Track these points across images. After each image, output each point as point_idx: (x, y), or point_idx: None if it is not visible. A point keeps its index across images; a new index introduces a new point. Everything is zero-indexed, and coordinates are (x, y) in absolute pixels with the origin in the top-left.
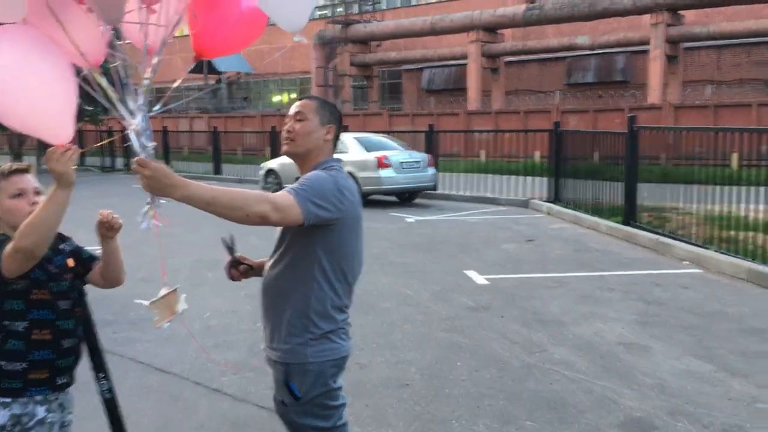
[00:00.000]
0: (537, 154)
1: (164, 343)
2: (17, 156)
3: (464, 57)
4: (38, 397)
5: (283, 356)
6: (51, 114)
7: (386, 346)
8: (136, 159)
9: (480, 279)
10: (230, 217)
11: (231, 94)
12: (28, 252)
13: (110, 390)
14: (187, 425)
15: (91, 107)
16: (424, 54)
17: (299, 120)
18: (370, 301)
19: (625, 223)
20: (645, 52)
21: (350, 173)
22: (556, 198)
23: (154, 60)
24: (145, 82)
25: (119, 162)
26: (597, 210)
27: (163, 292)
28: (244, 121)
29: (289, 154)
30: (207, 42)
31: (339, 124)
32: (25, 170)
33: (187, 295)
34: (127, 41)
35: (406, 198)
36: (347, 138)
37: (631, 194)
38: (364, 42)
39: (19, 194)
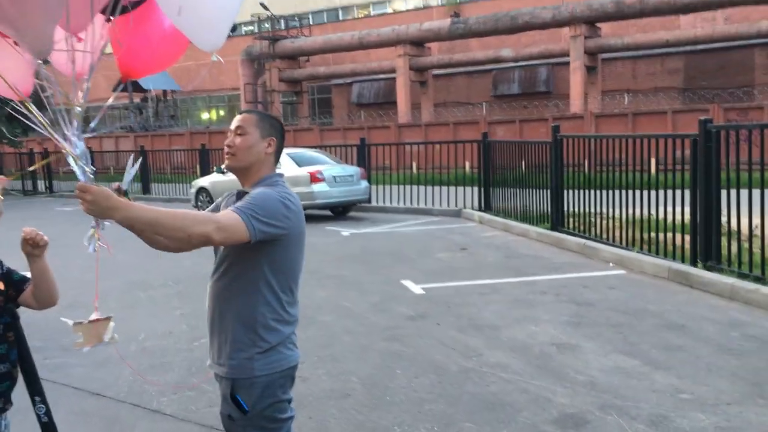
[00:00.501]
0: (467, 165)
1: (98, 368)
2: None
3: (393, 71)
4: None
5: (229, 371)
6: None
7: (327, 358)
8: (77, 185)
9: (416, 288)
10: (172, 239)
11: (157, 112)
12: None
13: (47, 413)
14: None
15: (9, 130)
16: (353, 68)
17: (239, 134)
18: (310, 314)
19: (553, 228)
20: (566, 63)
21: None
22: (486, 207)
23: (84, 86)
24: (77, 109)
25: (41, 185)
26: (526, 217)
27: (94, 317)
28: (172, 139)
29: (230, 169)
30: (132, 63)
31: (281, 136)
32: None
33: (116, 326)
34: (55, 71)
35: (340, 212)
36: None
37: (557, 201)
38: (292, 57)
39: None
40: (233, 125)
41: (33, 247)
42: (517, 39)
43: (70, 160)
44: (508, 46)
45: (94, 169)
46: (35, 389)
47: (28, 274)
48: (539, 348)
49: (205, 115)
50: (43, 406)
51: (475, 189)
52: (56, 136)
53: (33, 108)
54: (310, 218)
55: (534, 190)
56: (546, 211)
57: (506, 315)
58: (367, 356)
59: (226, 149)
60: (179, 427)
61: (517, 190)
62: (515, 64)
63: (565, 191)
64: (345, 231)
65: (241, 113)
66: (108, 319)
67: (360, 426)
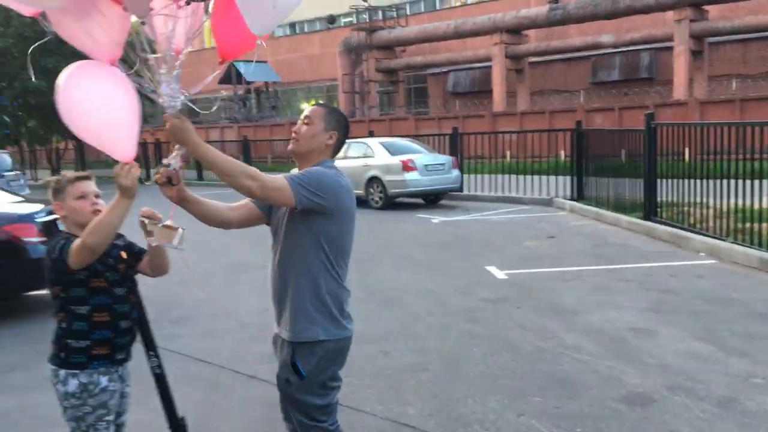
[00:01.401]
0: (562, 154)
1: (203, 338)
2: (55, 169)
3: (488, 59)
4: (101, 369)
5: (291, 336)
6: (120, 137)
7: (409, 336)
8: (166, 115)
9: (500, 274)
10: (222, 179)
11: (260, 103)
12: (92, 248)
13: (160, 366)
14: (227, 407)
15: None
16: (448, 57)
17: (306, 123)
18: (396, 296)
19: (646, 218)
20: (669, 48)
21: (376, 177)
22: (578, 196)
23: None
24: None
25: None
26: (618, 206)
27: (168, 222)
28: (273, 129)
29: (292, 153)
30: (227, 45)
31: (343, 132)
32: (87, 177)
33: (185, 235)
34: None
35: (431, 200)
36: (373, 143)
37: (650, 190)
38: (389, 48)
39: (83, 197)
40: (303, 115)
41: (169, 243)
42: (618, 24)
43: (164, 90)
44: (608, 32)
45: (183, 98)
46: (150, 345)
47: (146, 247)
48: (615, 332)
49: (304, 106)
50: (156, 359)
51: (568, 178)
52: (152, 83)
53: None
54: (402, 206)
55: (627, 180)
56: (639, 200)
57: (586, 300)
58: (446, 335)
59: (292, 135)
60: (272, 390)
61: (610, 179)
62: (615, 49)
63: (660, 180)
64: (435, 218)
65: (313, 105)
66: (177, 228)
67: (435, 396)
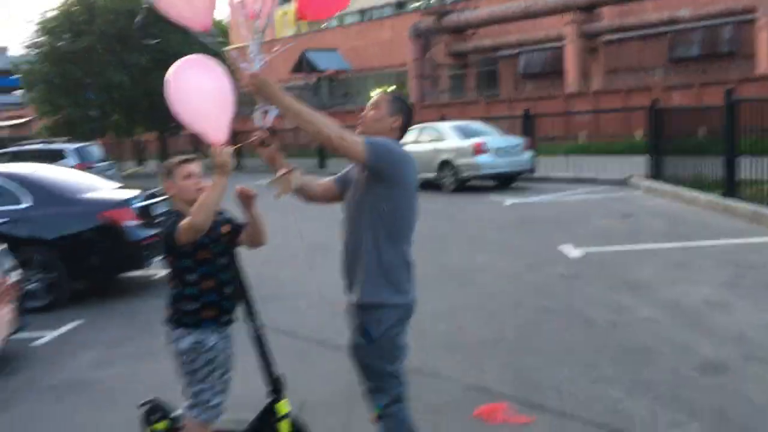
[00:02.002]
0: (638, 133)
1: (289, 313)
2: (140, 161)
3: (561, 39)
4: (210, 329)
5: (358, 300)
6: (218, 123)
7: (483, 312)
8: (250, 72)
9: (573, 252)
10: (307, 131)
11: (331, 91)
12: (198, 226)
13: (259, 329)
14: (313, 375)
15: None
16: (519, 39)
17: (372, 109)
18: (469, 276)
19: (725, 196)
20: (752, 20)
21: (448, 160)
22: (655, 175)
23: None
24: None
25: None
26: (697, 185)
27: (281, 172)
28: (345, 116)
29: (359, 134)
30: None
31: (407, 116)
32: (192, 160)
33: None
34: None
35: (503, 182)
36: (444, 126)
37: (730, 167)
38: (458, 31)
39: (188, 176)
40: (370, 102)
41: (246, 199)
42: None
43: (253, 49)
44: (686, 6)
45: (267, 60)
46: (250, 310)
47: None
48: (691, 305)
49: (375, 92)
50: (256, 323)
51: (644, 158)
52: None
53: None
54: (474, 188)
55: (706, 158)
56: (719, 178)
57: (662, 277)
58: (520, 311)
59: (359, 120)
60: None
61: (689, 157)
62: (694, 24)
63: (741, 157)
64: (507, 200)
65: (379, 93)
66: (291, 171)
67: (509, 366)
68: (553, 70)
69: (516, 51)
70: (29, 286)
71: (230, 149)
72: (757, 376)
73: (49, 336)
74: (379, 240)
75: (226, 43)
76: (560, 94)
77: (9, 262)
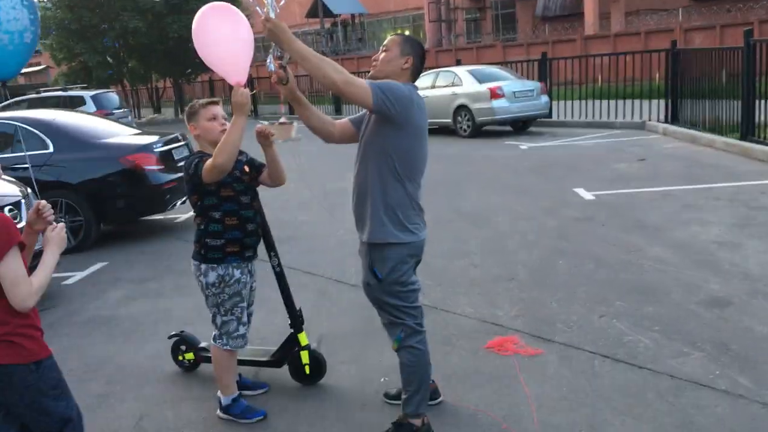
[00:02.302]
0: (657, 76)
1: (308, 254)
2: (157, 107)
3: None
4: (234, 264)
5: (369, 237)
6: (238, 66)
7: (498, 251)
8: (264, 18)
9: (587, 195)
10: (314, 75)
11: (346, 36)
12: (221, 166)
13: (279, 264)
14: (334, 310)
15: None
16: None
17: (384, 51)
18: (485, 216)
19: (743, 138)
20: None
21: (464, 105)
22: (673, 119)
23: None
24: None
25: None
26: (714, 128)
27: (282, 120)
28: (359, 62)
29: (372, 77)
30: None
31: (419, 58)
32: (216, 102)
33: (299, 128)
34: None
35: (520, 127)
36: (460, 71)
37: (748, 110)
38: None
39: (213, 118)
40: (383, 45)
41: (264, 139)
42: None
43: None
44: None
45: (278, 10)
46: (271, 246)
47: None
48: (700, 245)
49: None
50: (276, 259)
51: (663, 101)
52: None
53: None
54: (490, 133)
55: (724, 101)
56: (737, 121)
57: (673, 218)
58: (533, 250)
59: (372, 62)
60: None
61: (706, 100)
62: None
63: (759, 100)
64: (523, 145)
65: (390, 36)
66: (292, 123)
67: (521, 300)
68: (572, 13)
69: None
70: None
71: (248, 91)
72: (760, 309)
73: (78, 275)
74: (386, 180)
75: None
76: (579, 36)
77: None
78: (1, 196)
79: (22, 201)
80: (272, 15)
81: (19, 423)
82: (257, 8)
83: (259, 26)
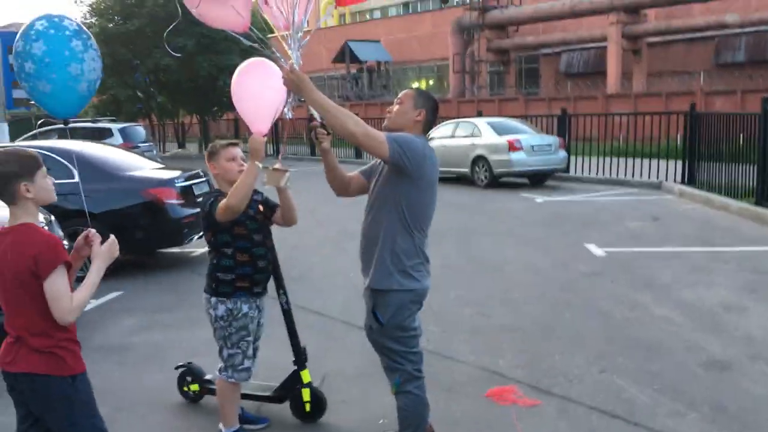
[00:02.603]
0: (678, 137)
1: (317, 294)
2: (181, 144)
3: (604, 39)
4: (243, 299)
5: (370, 284)
6: (263, 119)
7: (506, 301)
8: (289, 66)
9: (598, 251)
10: (334, 127)
11: (371, 82)
12: (234, 207)
13: (287, 302)
14: (339, 351)
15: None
16: (562, 37)
17: (398, 104)
18: (495, 266)
19: (757, 204)
20: None
21: (482, 156)
22: (689, 180)
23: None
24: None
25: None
26: (730, 192)
27: (277, 166)
28: (383, 107)
29: (385, 129)
30: None
31: (432, 111)
32: (235, 144)
33: (291, 177)
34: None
35: (537, 180)
36: (480, 122)
37: (764, 176)
38: (501, 27)
39: (232, 159)
40: (397, 98)
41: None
42: (745, 2)
43: (292, 53)
44: (734, 11)
45: (301, 62)
46: (280, 285)
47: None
48: (706, 307)
49: (414, 85)
50: (285, 297)
51: (680, 162)
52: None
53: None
54: (507, 185)
55: (741, 165)
56: (752, 186)
57: (682, 278)
58: (541, 302)
59: (386, 114)
60: None
61: (723, 164)
62: (741, 30)
63: None
64: (539, 198)
65: (404, 90)
66: (286, 170)
67: (525, 351)
68: (595, 71)
69: (558, 49)
70: None
71: (264, 138)
72: (761, 374)
73: (93, 303)
74: (395, 229)
75: (267, 35)
76: (600, 94)
77: (58, 232)
78: None
79: (45, 228)
80: (296, 67)
81: None
82: (282, 61)
83: (283, 75)
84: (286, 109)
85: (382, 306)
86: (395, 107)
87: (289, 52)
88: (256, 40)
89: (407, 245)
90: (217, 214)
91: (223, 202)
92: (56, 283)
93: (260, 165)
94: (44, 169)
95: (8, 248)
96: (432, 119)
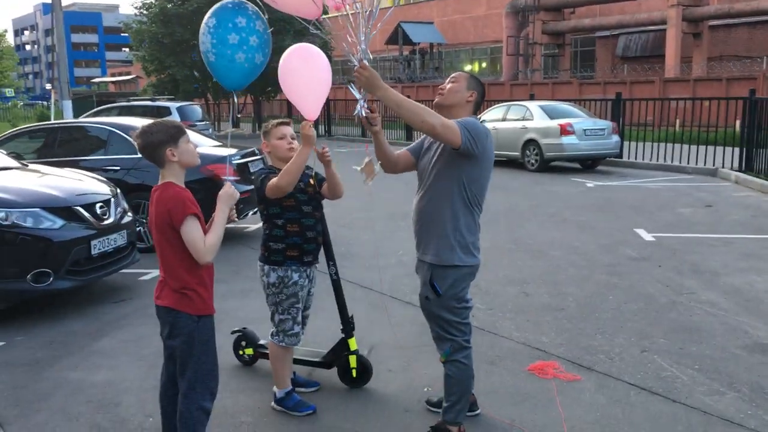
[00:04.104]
0: (737, 124)
1: (367, 271)
2: (236, 123)
3: (663, 22)
4: (293, 267)
5: (433, 260)
6: (313, 105)
7: (550, 282)
8: (360, 63)
9: (647, 236)
10: (409, 120)
11: (423, 64)
12: (282, 188)
13: (336, 273)
14: (385, 323)
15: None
16: (620, 20)
17: (452, 82)
18: (542, 249)
19: None
20: None
21: (533, 139)
22: (747, 167)
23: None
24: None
25: (321, 129)
26: None
27: (366, 160)
28: (435, 89)
29: (437, 105)
30: None
31: (481, 94)
32: (286, 123)
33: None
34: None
35: (588, 165)
36: (531, 105)
37: None
38: (557, 9)
39: (282, 137)
40: (450, 77)
41: (324, 160)
42: None
43: (362, 48)
44: None
45: (370, 57)
46: (330, 256)
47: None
48: (754, 294)
49: (467, 67)
50: (334, 267)
51: (738, 149)
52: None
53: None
54: (558, 169)
55: None
56: None
57: (731, 265)
58: (585, 284)
59: (438, 90)
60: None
61: None
62: None
63: None
64: (590, 182)
65: (457, 72)
66: (371, 160)
67: (567, 330)
68: (653, 54)
69: (615, 32)
70: (139, 228)
71: (313, 132)
72: None
73: (153, 273)
74: (457, 207)
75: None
76: (657, 78)
77: (124, 204)
78: (93, 193)
79: (112, 199)
80: (366, 62)
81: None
82: (351, 56)
83: (355, 73)
84: (359, 107)
85: (441, 278)
86: (449, 85)
87: (360, 47)
88: (320, 28)
89: (469, 222)
90: (267, 191)
91: (273, 181)
92: (188, 231)
93: (357, 168)
94: (187, 136)
95: (154, 203)
96: (480, 101)
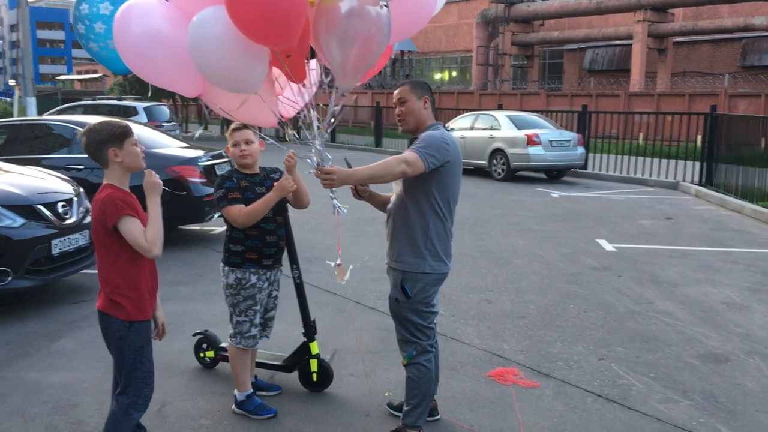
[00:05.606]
0: (698, 138)
1: (331, 275)
2: (205, 125)
3: (629, 37)
4: (252, 270)
5: (403, 267)
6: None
7: (513, 290)
8: (319, 168)
9: (609, 247)
10: (385, 182)
11: (394, 72)
12: (239, 226)
13: (300, 277)
14: (348, 329)
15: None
16: (587, 33)
17: (402, 103)
18: (506, 257)
19: None
20: None
21: (500, 149)
22: (707, 182)
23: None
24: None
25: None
26: (746, 195)
27: (338, 261)
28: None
29: (405, 132)
30: None
31: (431, 94)
32: (239, 128)
33: (352, 268)
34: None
35: (554, 175)
36: (499, 115)
37: None
38: (526, 21)
39: (235, 145)
40: (395, 98)
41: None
42: None
43: (316, 150)
44: (763, 14)
45: (330, 159)
46: (294, 259)
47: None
48: (709, 304)
49: (437, 76)
50: (297, 271)
51: (698, 164)
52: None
53: (292, 128)
54: (524, 179)
55: (758, 168)
56: None
57: (688, 276)
58: (546, 292)
59: (397, 119)
60: (388, 320)
61: (741, 166)
62: None
63: None
64: (555, 193)
65: (397, 86)
66: (344, 269)
67: (528, 337)
68: (619, 68)
69: (583, 45)
70: None
71: (292, 185)
72: (755, 368)
73: None
74: (427, 215)
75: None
76: (623, 92)
77: (86, 204)
78: (55, 192)
79: (74, 199)
80: (327, 165)
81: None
82: (313, 167)
83: (322, 180)
84: (333, 208)
85: (412, 282)
86: (402, 108)
87: (314, 149)
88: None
89: (439, 230)
90: (223, 213)
91: (233, 214)
92: (127, 230)
93: (332, 264)
94: (134, 138)
95: (93, 205)
96: (434, 99)
